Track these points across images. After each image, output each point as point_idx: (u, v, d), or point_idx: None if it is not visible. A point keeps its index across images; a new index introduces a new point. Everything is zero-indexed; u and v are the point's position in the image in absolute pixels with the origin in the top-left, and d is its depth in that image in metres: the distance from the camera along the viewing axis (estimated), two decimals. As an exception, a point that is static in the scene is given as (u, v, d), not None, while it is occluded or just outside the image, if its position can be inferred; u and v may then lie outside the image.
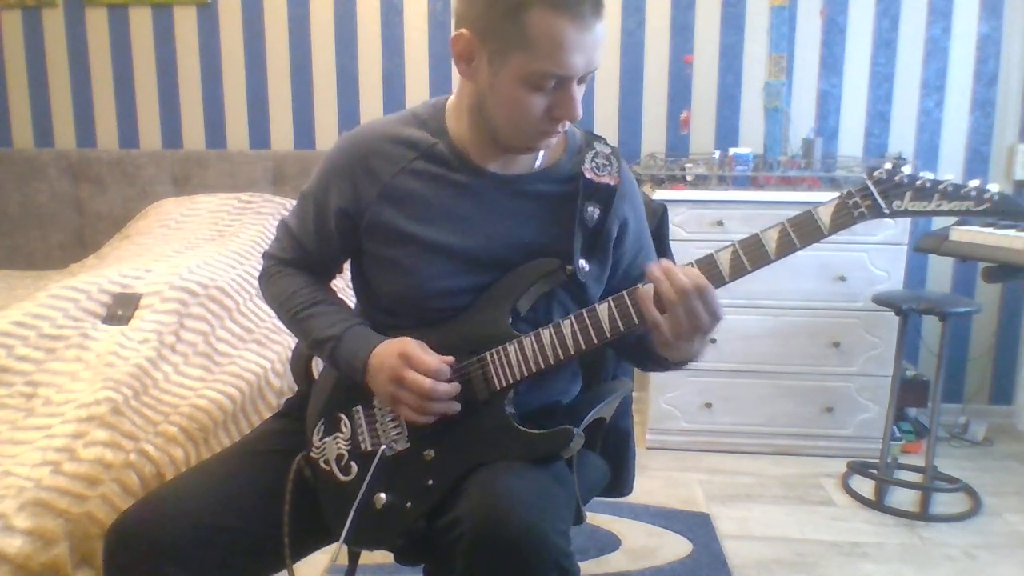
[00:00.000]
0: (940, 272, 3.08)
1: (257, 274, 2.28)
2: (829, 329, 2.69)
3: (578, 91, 1.11)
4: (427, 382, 1.11)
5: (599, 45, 1.09)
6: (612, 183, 1.23)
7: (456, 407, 1.14)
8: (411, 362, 1.12)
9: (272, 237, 1.39)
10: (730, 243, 1.09)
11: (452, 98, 1.24)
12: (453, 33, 1.12)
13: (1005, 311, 3.09)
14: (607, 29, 1.11)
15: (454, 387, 1.14)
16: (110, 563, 1.10)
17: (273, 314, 1.36)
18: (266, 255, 1.37)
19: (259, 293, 2.24)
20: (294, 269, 1.32)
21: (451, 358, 1.15)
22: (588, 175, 1.22)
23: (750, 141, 3.02)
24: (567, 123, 1.16)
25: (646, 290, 1.09)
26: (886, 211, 1.05)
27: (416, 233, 1.19)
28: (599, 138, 1.27)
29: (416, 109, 1.26)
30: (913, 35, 2.96)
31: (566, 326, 1.13)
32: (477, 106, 1.16)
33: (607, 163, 1.24)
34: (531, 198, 1.21)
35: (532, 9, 1.04)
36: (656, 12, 3.04)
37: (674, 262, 1.45)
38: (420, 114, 1.25)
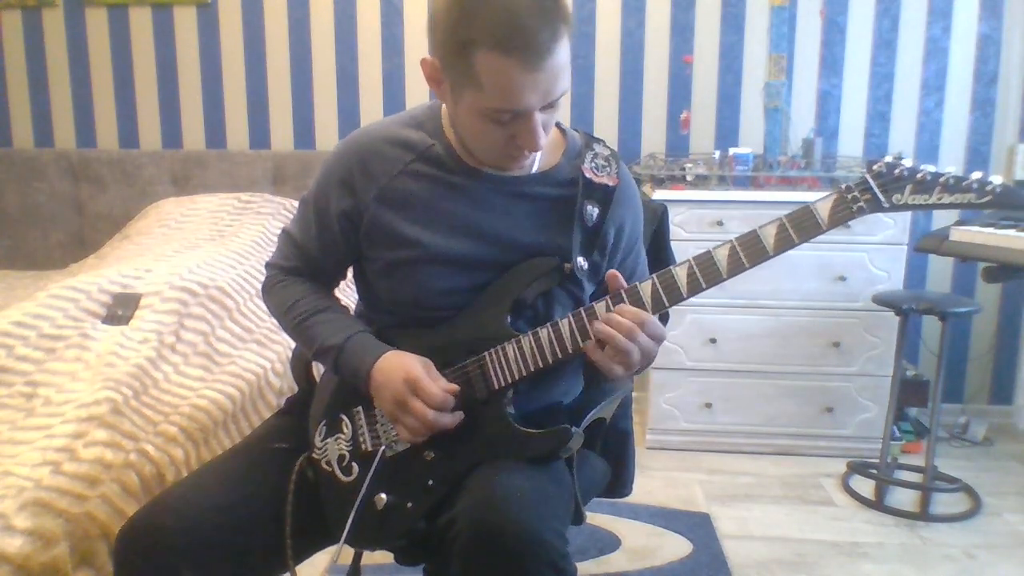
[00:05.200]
0: (940, 272, 3.08)
1: (257, 274, 2.31)
2: (829, 329, 2.69)
3: (547, 117, 1.10)
4: (430, 414, 1.11)
5: (559, 75, 1.04)
6: (611, 183, 1.23)
7: (454, 423, 1.14)
8: (417, 390, 1.11)
9: (272, 238, 1.39)
10: (728, 240, 1.09)
11: None
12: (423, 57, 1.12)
13: (1005, 311, 3.09)
14: (568, 53, 1.05)
15: (456, 418, 1.14)
16: (122, 567, 1.10)
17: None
18: (268, 265, 1.35)
19: (259, 293, 2.26)
20: (297, 278, 1.31)
21: (455, 387, 1.14)
22: (588, 174, 1.22)
23: (750, 141, 3.02)
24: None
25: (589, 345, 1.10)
26: (885, 205, 1.04)
27: (415, 236, 1.19)
28: (598, 140, 1.27)
29: (413, 111, 1.26)
30: (913, 35, 2.96)
31: (564, 325, 1.13)
32: (452, 124, 1.17)
33: (606, 164, 1.24)
34: (528, 200, 1.21)
35: (478, 50, 1.01)
36: (656, 12, 3.04)
37: (674, 262, 1.46)
38: (417, 116, 1.25)
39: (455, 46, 1.03)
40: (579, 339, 1.12)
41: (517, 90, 1.03)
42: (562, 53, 1.04)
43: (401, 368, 1.13)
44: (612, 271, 1.13)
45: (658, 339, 1.10)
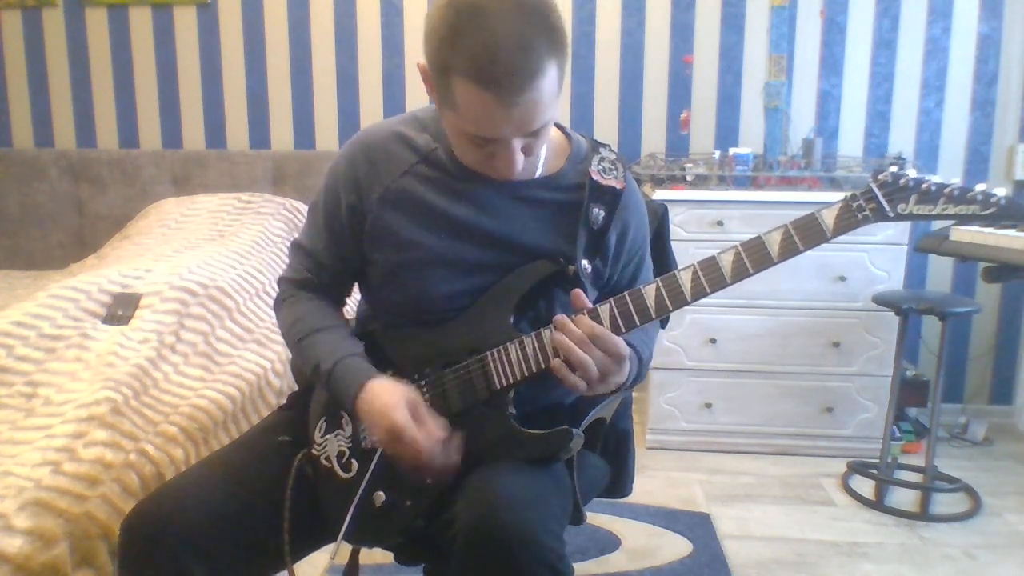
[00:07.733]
0: (940, 272, 3.08)
1: (257, 274, 2.31)
2: (829, 329, 2.69)
3: (531, 142, 1.08)
4: (423, 456, 1.10)
5: (538, 109, 1.02)
6: (618, 187, 1.23)
7: (456, 460, 1.13)
8: (400, 440, 1.10)
9: (273, 237, 1.39)
10: (733, 245, 1.09)
11: None
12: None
13: (1005, 311, 3.09)
14: (556, 84, 1.03)
15: (450, 460, 1.12)
16: (127, 553, 1.10)
17: (273, 314, 1.36)
18: (280, 280, 1.35)
19: (259, 293, 2.26)
20: (304, 293, 1.30)
21: (443, 433, 1.12)
22: (595, 177, 1.22)
23: (750, 141, 3.02)
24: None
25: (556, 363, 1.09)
26: (890, 214, 1.04)
27: (418, 239, 1.19)
28: (604, 145, 1.27)
29: (416, 112, 1.26)
30: (913, 35, 2.96)
31: (568, 326, 1.13)
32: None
33: (613, 168, 1.24)
34: (531, 204, 1.21)
35: (456, 76, 1.01)
36: (656, 12, 3.04)
37: (674, 262, 1.46)
38: (421, 118, 1.25)
39: (437, 66, 1.03)
40: None
41: (490, 121, 1.03)
42: (544, 88, 1.01)
43: (383, 415, 1.11)
44: (576, 290, 1.12)
45: (616, 356, 1.09)
